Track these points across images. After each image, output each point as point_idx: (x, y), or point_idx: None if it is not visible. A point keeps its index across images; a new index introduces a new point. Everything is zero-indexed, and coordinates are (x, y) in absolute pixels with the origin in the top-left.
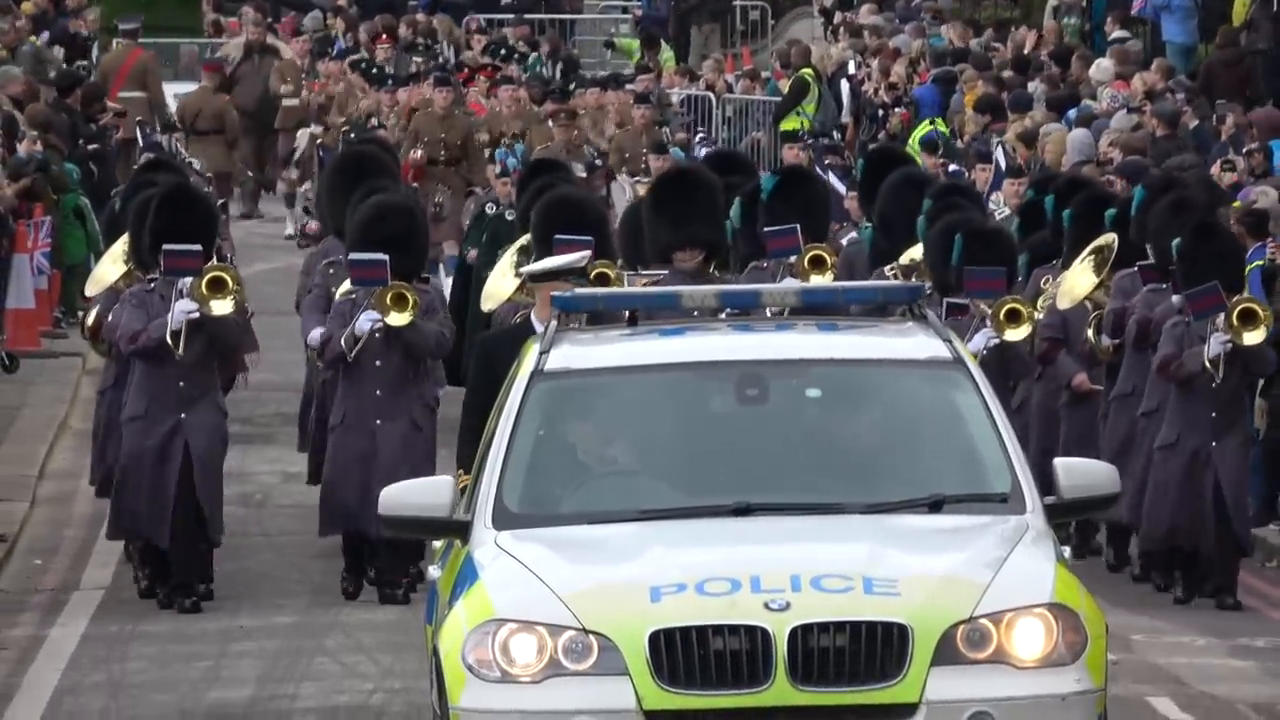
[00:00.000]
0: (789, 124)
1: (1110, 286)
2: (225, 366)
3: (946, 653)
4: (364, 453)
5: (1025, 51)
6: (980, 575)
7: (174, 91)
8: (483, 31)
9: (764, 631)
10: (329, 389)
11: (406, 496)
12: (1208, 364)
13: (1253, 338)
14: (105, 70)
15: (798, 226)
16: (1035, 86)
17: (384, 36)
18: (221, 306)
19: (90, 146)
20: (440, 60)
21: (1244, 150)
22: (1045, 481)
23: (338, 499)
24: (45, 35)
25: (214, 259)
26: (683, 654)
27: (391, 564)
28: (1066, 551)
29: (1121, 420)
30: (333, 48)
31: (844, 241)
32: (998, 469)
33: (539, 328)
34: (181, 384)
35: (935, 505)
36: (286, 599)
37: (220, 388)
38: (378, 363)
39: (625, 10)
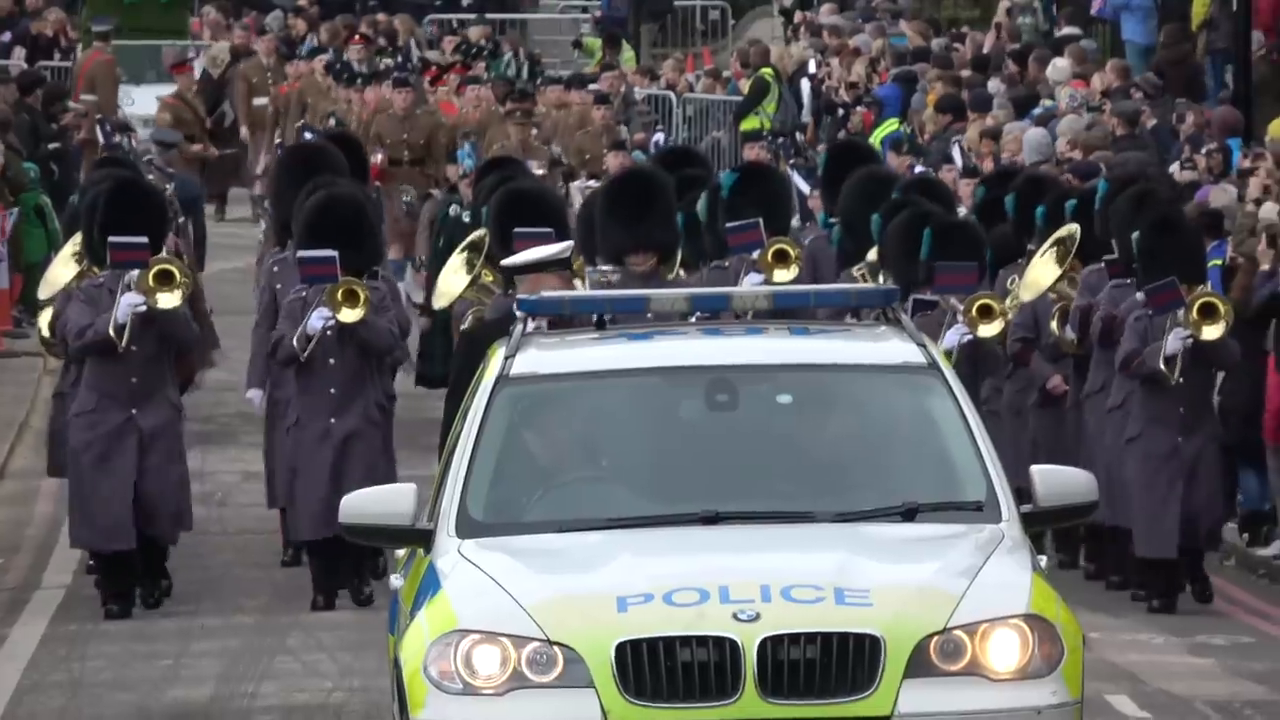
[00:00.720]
0: (749, 124)
1: (1074, 278)
2: (182, 366)
3: (920, 665)
4: (323, 455)
5: (985, 51)
6: (954, 585)
7: (156, 93)
8: (452, 32)
9: (733, 643)
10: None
11: (367, 505)
12: (1162, 365)
13: (1212, 332)
14: (75, 72)
15: (759, 221)
16: (996, 86)
17: (357, 37)
18: (169, 299)
19: (51, 146)
20: (405, 60)
21: (1203, 150)
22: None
23: (301, 506)
24: (7, 35)
25: (163, 252)
26: (649, 666)
27: (359, 568)
28: (1044, 561)
29: (1094, 418)
30: (302, 47)
31: (805, 241)
32: (973, 477)
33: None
34: (133, 380)
35: (908, 514)
36: (247, 598)
37: (177, 386)
38: (331, 361)
39: (585, 10)
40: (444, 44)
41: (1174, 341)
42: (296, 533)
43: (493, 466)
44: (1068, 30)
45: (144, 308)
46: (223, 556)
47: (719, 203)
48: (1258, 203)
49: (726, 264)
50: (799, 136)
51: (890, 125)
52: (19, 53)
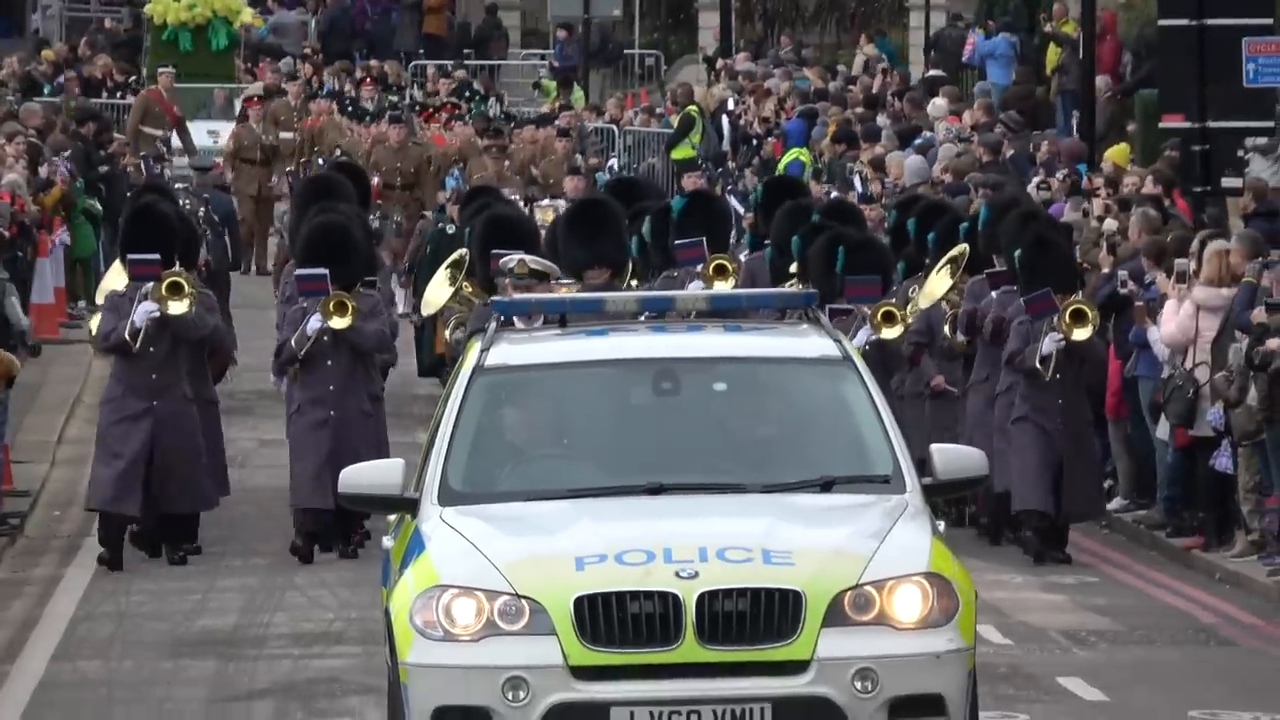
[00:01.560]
0: (679, 153)
1: (961, 288)
2: (215, 360)
3: (835, 616)
4: (321, 440)
5: (874, 91)
6: (865, 547)
7: (207, 128)
8: (447, 75)
9: (675, 597)
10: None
11: (362, 476)
12: (1038, 364)
13: (1081, 334)
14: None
15: (704, 239)
16: (883, 120)
17: (368, 80)
18: (178, 306)
19: (101, 169)
20: (400, 101)
21: (1057, 174)
22: (922, 464)
23: (300, 478)
24: (61, 78)
25: (175, 265)
26: (604, 616)
27: (346, 530)
28: (941, 526)
29: (977, 402)
30: (321, 90)
31: (742, 256)
32: (881, 454)
33: (519, 322)
34: (153, 375)
35: (826, 486)
36: (263, 543)
37: (210, 377)
38: (328, 361)
39: (543, 58)
40: (440, 86)
41: (1048, 344)
42: (295, 499)
43: (470, 444)
44: (934, 73)
45: (158, 314)
46: (242, 509)
47: (669, 223)
48: (1100, 219)
49: (675, 274)
50: (730, 165)
51: (795, 154)
52: (75, 91)
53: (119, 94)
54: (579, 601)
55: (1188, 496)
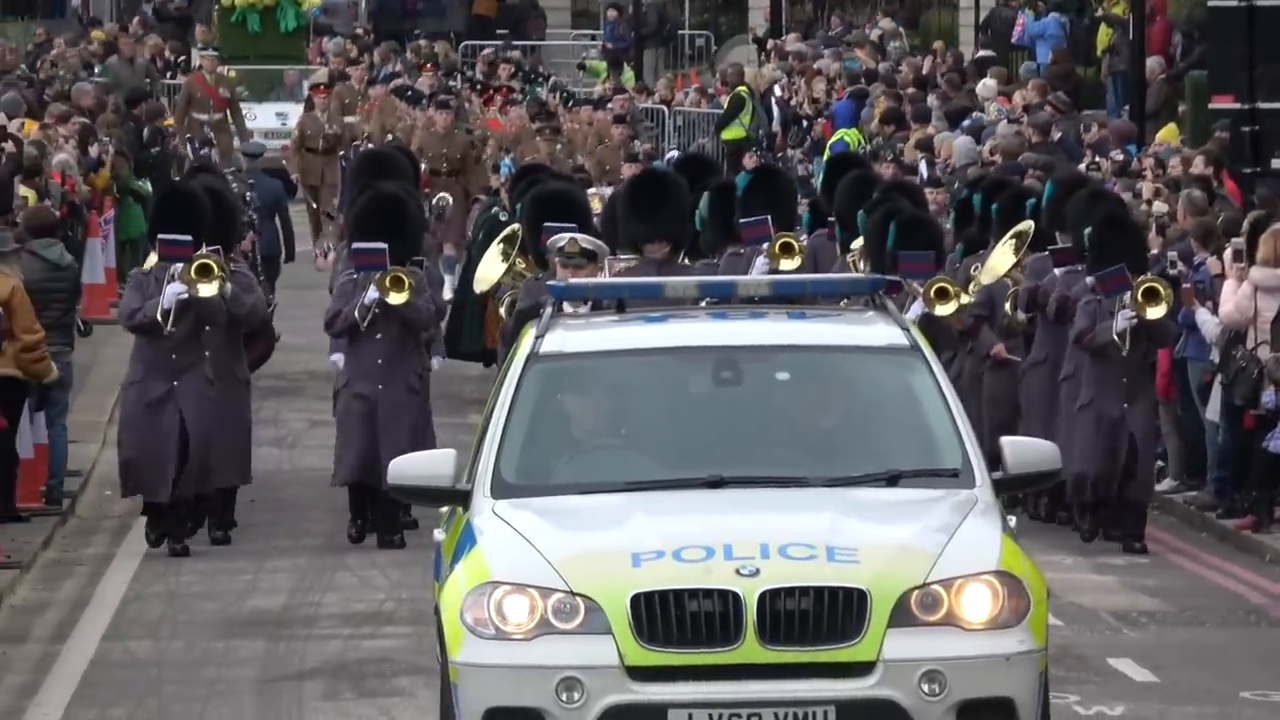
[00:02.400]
0: (730, 133)
1: (1025, 267)
2: (251, 347)
3: (901, 615)
4: (368, 414)
5: (924, 72)
6: (933, 544)
7: (275, 110)
8: (505, 60)
9: (735, 595)
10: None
11: (413, 467)
12: (1115, 337)
13: (1155, 313)
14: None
15: (769, 217)
16: (933, 101)
17: (428, 65)
18: (208, 289)
19: (152, 150)
20: (452, 85)
21: (1109, 153)
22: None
23: (347, 454)
24: (114, 57)
25: (203, 248)
26: (661, 615)
27: (390, 517)
28: (1013, 521)
29: (1035, 384)
30: (379, 73)
31: (803, 239)
32: (950, 446)
33: (570, 307)
34: (173, 356)
35: (892, 480)
36: (313, 524)
37: (244, 356)
38: (378, 335)
39: (593, 38)
40: (501, 68)
41: (1122, 320)
42: (339, 475)
43: (523, 435)
44: (984, 53)
45: (186, 295)
46: (292, 490)
47: (730, 200)
48: (1149, 201)
49: (742, 251)
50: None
51: (842, 134)
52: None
53: (169, 74)
54: (636, 599)
55: (1239, 477)
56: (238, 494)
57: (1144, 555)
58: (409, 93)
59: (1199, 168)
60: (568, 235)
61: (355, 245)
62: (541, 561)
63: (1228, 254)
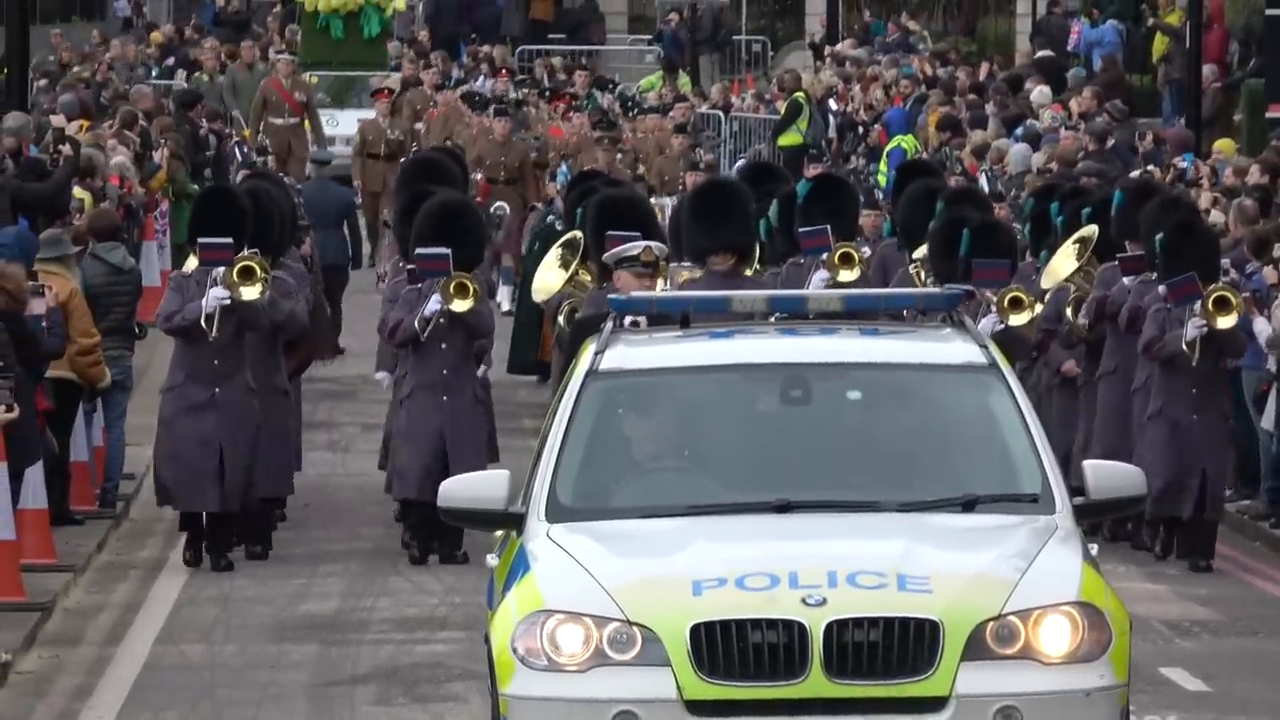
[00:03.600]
0: (787, 139)
1: (1088, 272)
2: (292, 354)
3: (976, 648)
4: (433, 426)
5: (981, 79)
6: (1009, 573)
7: (357, 117)
8: (582, 67)
9: (800, 626)
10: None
11: (465, 490)
12: (1185, 346)
13: (1225, 322)
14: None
15: (828, 227)
16: (990, 108)
17: (503, 71)
18: (250, 292)
19: (206, 153)
20: (522, 92)
21: (1167, 164)
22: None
23: (409, 468)
24: (171, 60)
25: (244, 250)
26: (722, 646)
27: (455, 532)
28: (1094, 549)
29: (1108, 395)
30: (449, 79)
31: (866, 250)
32: (1029, 470)
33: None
34: (215, 361)
35: (968, 505)
36: (366, 528)
37: (284, 365)
38: (443, 345)
39: (650, 43)
40: (574, 75)
41: (1192, 329)
42: (402, 491)
43: (581, 455)
44: (1041, 54)
45: (228, 300)
46: (345, 494)
47: (793, 208)
48: (1206, 211)
49: (802, 261)
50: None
51: (898, 141)
52: (180, 75)
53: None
54: (696, 629)
55: None
56: (288, 501)
57: (1208, 572)
58: (476, 98)
59: (1255, 176)
60: (643, 243)
61: (418, 251)
62: (597, 589)
63: (1275, 264)
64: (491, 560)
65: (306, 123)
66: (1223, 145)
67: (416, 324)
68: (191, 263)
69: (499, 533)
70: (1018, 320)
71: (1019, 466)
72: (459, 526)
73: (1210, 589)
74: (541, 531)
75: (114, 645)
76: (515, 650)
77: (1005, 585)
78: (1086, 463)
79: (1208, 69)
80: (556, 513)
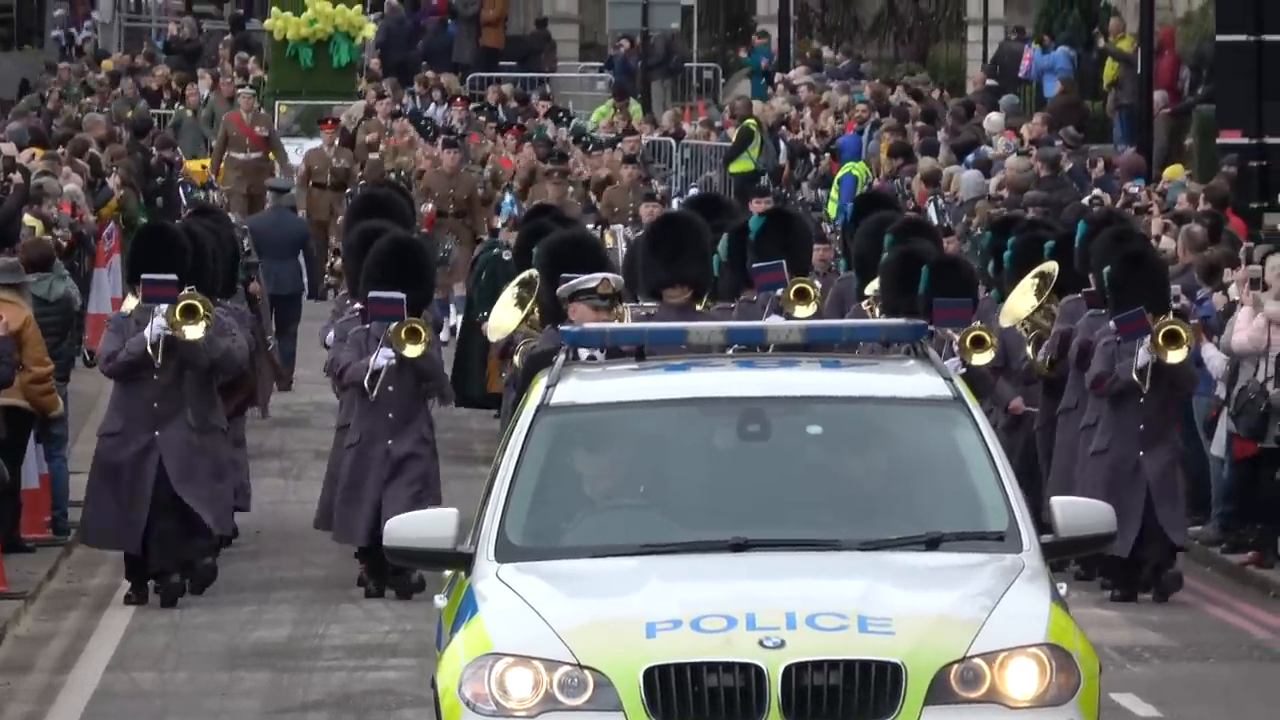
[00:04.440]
0: (738, 166)
1: (1049, 310)
2: (230, 395)
3: (940, 692)
4: (380, 471)
5: (932, 106)
6: (975, 614)
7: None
8: (521, 99)
9: (758, 669)
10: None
11: (411, 528)
12: (1135, 376)
13: (1175, 356)
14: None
15: (783, 262)
16: (941, 135)
17: (459, 100)
18: (194, 331)
19: (158, 180)
20: (452, 125)
21: (1116, 189)
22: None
23: (355, 513)
24: (122, 88)
25: (185, 288)
26: (677, 691)
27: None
28: (1063, 589)
29: (1067, 434)
30: (404, 108)
31: (824, 281)
32: (995, 507)
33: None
34: (155, 404)
35: (932, 543)
36: (318, 554)
37: (219, 403)
38: (390, 389)
39: (601, 70)
40: (539, 106)
41: (1143, 355)
42: (340, 537)
43: (531, 493)
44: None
45: (169, 332)
46: (297, 521)
47: (745, 243)
48: (1157, 239)
49: (755, 298)
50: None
51: (850, 168)
52: (142, 104)
53: (176, 104)
54: (650, 673)
55: (1243, 513)
56: (237, 529)
57: (1163, 602)
58: (427, 126)
59: (1205, 203)
60: (600, 275)
61: (372, 294)
62: (547, 631)
63: (1242, 282)
64: (440, 601)
65: (272, 154)
66: (1171, 172)
67: (366, 379)
68: (130, 302)
69: (448, 572)
70: (980, 360)
71: (985, 503)
72: (404, 566)
73: (1161, 615)
74: (490, 571)
75: (65, 673)
76: (462, 695)
77: (970, 626)
78: (1054, 499)
79: (1159, 95)
80: (506, 552)
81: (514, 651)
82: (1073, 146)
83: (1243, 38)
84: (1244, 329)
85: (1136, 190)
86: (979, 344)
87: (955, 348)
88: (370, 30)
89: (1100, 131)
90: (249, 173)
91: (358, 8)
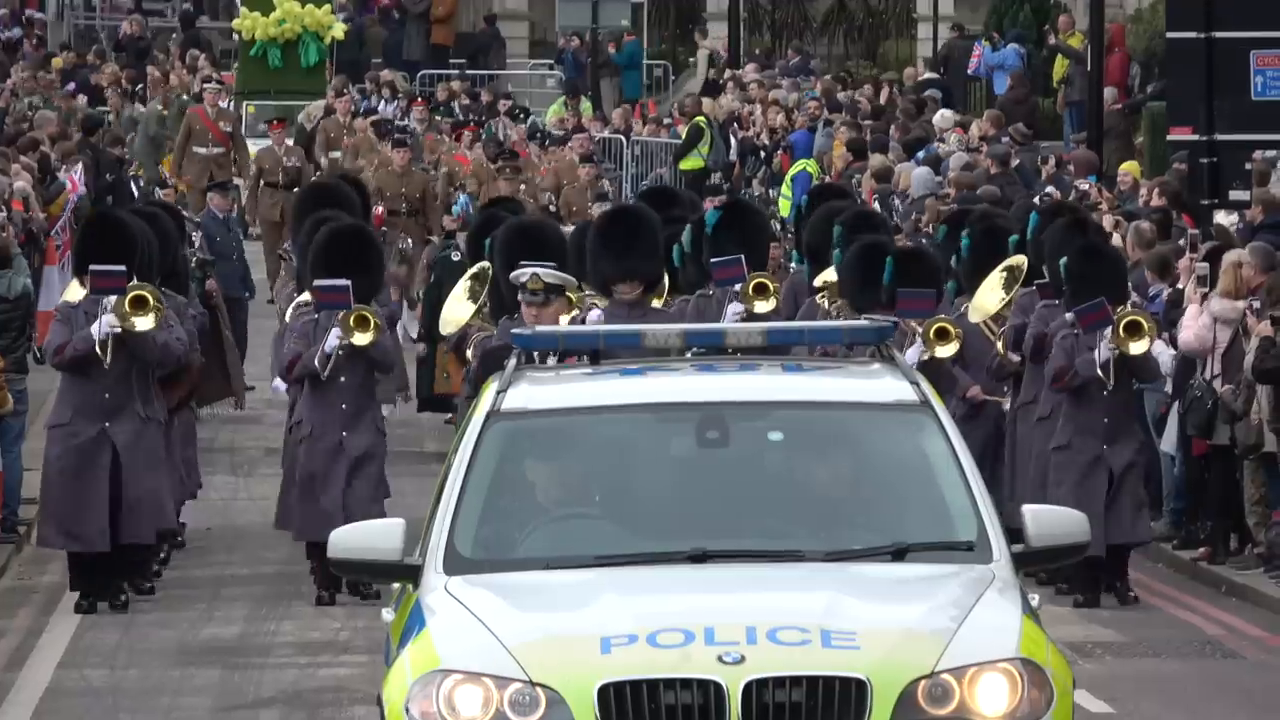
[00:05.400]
0: (688, 163)
1: (1014, 303)
2: (171, 389)
3: (907, 709)
4: (334, 465)
5: (882, 103)
6: (943, 627)
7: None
8: (472, 96)
9: (717, 686)
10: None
11: (356, 539)
12: (1099, 371)
13: (1138, 347)
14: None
15: (742, 257)
16: (893, 131)
17: (419, 100)
18: (144, 323)
19: (109, 177)
20: (405, 123)
21: (1067, 185)
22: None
23: (312, 508)
24: (72, 85)
25: (135, 279)
26: (633, 708)
27: None
28: (1035, 600)
29: (1026, 427)
30: (361, 105)
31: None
32: (964, 516)
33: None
34: (106, 395)
35: (899, 553)
36: (269, 551)
37: (158, 395)
38: (342, 379)
39: (551, 68)
40: (499, 102)
41: (1104, 350)
42: (304, 533)
43: (481, 502)
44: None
45: (119, 329)
46: (248, 517)
47: (703, 237)
48: (1109, 236)
49: (711, 293)
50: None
51: (802, 165)
52: (82, 99)
53: (134, 102)
54: (604, 690)
55: (1195, 508)
56: (188, 526)
57: (1130, 604)
58: (386, 126)
59: (1154, 199)
60: (530, 270)
61: (317, 282)
62: (498, 647)
63: (1188, 272)
64: (387, 615)
65: (234, 152)
66: (1129, 167)
67: (316, 361)
68: (75, 291)
69: (395, 585)
70: (944, 351)
71: (953, 512)
72: (350, 578)
73: (1112, 610)
74: (439, 584)
75: (15, 671)
76: (409, 713)
77: (938, 640)
78: (1026, 508)
79: (1109, 92)
80: (455, 564)
81: (463, 668)
82: (1022, 144)
83: (1193, 35)
84: (1190, 327)
85: (1087, 188)
86: (943, 335)
87: (919, 338)
88: (340, 30)
89: (1051, 129)
90: (206, 168)
91: (326, 7)
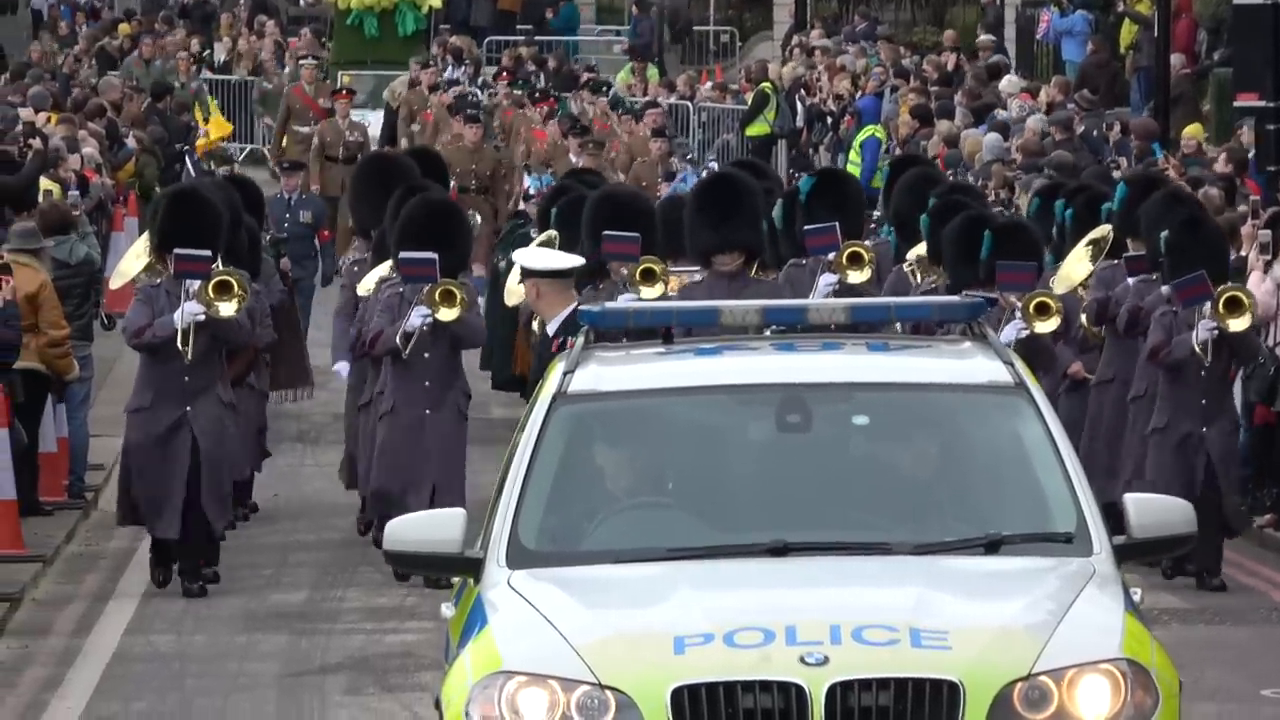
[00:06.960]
0: (754, 129)
1: (1094, 275)
2: (234, 362)
3: (1002, 713)
4: (414, 441)
5: (949, 69)
6: (1040, 626)
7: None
8: (538, 62)
9: (799, 689)
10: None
11: (413, 530)
12: (1196, 348)
13: (1238, 324)
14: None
15: (836, 224)
16: (958, 98)
17: (504, 75)
18: (227, 308)
19: (178, 146)
20: (477, 99)
21: (1130, 152)
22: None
23: (387, 485)
24: (136, 53)
25: (220, 262)
26: (709, 712)
27: None
28: (1138, 596)
29: (1101, 404)
30: (443, 77)
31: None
32: (1062, 506)
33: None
34: (186, 378)
35: (992, 546)
36: (336, 518)
37: (229, 382)
38: (426, 355)
39: (618, 34)
40: (578, 74)
41: (1203, 331)
42: (379, 508)
43: (547, 491)
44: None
45: (203, 317)
46: (316, 484)
47: (796, 206)
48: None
49: (804, 262)
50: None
51: (870, 130)
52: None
53: (198, 69)
54: (678, 693)
55: (1262, 474)
56: (254, 490)
57: (1221, 590)
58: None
59: (1221, 166)
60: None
61: (402, 255)
62: (565, 647)
63: (1251, 239)
64: (447, 611)
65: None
66: (1193, 130)
67: (399, 339)
68: (130, 262)
69: (455, 579)
70: (1044, 327)
71: (1050, 501)
72: (407, 572)
73: (1178, 577)
74: (501, 579)
75: (83, 636)
76: (470, 717)
77: (1035, 640)
78: (1128, 496)
79: (1176, 58)
80: (518, 557)
81: (527, 669)
82: (1086, 109)
83: (1260, 1)
84: (1254, 293)
85: (1161, 160)
86: (1043, 310)
87: (1018, 313)
88: (439, 0)
89: (1118, 95)
90: (309, 147)
91: None
